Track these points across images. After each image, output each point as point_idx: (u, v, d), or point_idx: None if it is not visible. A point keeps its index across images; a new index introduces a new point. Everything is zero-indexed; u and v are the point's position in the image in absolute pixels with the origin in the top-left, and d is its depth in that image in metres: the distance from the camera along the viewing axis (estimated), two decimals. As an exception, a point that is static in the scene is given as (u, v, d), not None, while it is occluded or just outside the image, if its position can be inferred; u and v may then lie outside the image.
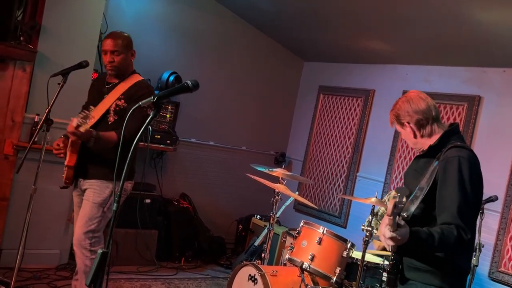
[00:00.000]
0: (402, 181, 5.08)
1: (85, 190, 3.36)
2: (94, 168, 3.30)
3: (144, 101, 1.93)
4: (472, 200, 2.21)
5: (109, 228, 1.92)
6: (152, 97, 1.90)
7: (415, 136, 2.43)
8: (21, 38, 4.10)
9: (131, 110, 1.97)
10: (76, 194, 3.48)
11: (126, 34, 3.43)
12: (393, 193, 4.36)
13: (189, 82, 1.99)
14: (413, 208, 2.23)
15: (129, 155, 1.90)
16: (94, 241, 3.29)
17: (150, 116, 1.88)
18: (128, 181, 3.41)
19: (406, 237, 2.01)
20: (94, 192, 3.28)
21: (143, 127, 1.94)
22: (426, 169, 2.33)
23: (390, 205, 1.93)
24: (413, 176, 2.41)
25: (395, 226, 1.97)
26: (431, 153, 2.38)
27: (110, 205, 3.29)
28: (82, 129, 2.95)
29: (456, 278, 2.29)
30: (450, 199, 2.16)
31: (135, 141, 1.89)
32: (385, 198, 4.35)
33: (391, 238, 1.97)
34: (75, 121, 2.95)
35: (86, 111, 3.00)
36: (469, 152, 2.29)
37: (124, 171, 1.88)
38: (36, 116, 4.22)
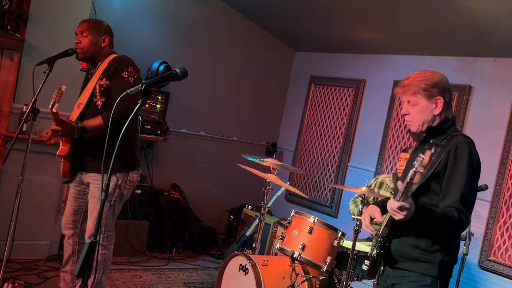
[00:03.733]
0: (393, 171, 5.09)
1: (87, 184, 3.31)
2: (92, 160, 3.23)
3: (132, 89, 1.90)
4: (476, 187, 2.24)
5: (97, 219, 1.90)
6: (140, 85, 1.87)
7: (439, 114, 2.31)
8: (8, 27, 4.05)
9: (119, 97, 1.92)
10: (73, 185, 3.40)
11: (101, 21, 3.39)
12: (380, 177, 4.36)
13: (178, 70, 1.97)
14: (411, 190, 2.16)
15: (118, 143, 1.84)
16: (107, 236, 3.29)
17: (138, 105, 1.85)
18: (133, 171, 3.33)
19: (412, 208, 2.01)
20: (99, 188, 3.22)
21: (131, 110, 1.89)
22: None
23: (427, 156, 1.90)
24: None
25: (408, 193, 1.98)
26: (429, 136, 2.33)
27: (116, 197, 3.24)
28: (54, 109, 2.90)
29: (449, 268, 2.29)
30: (456, 185, 2.16)
31: (125, 126, 1.82)
32: (371, 182, 4.33)
33: (401, 208, 1.98)
34: (50, 105, 2.92)
35: (56, 90, 2.96)
36: (474, 143, 2.30)
37: (112, 161, 1.85)
38: (24, 106, 4.18)
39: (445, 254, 2.23)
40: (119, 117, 2.95)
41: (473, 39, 4.41)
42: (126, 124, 1.86)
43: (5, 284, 3.54)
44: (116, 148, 1.84)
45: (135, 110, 1.85)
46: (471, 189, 2.19)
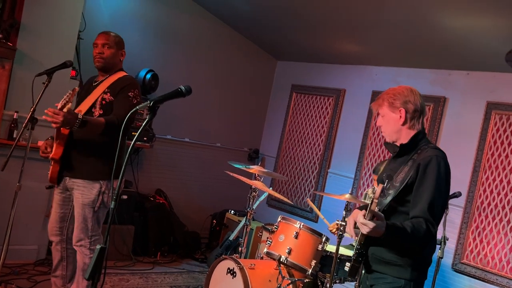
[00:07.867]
0: (371, 178, 5.30)
1: (71, 189, 3.38)
2: (79, 165, 3.31)
3: (140, 105, 2.04)
4: (444, 197, 2.41)
5: (107, 225, 2.02)
6: (149, 102, 2.01)
7: (403, 124, 2.51)
8: (0, 36, 4.11)
9: (130, 112, 2.06)
10: (58, 192, 3.47)
11: (118, 35, 3.55)
12: (369, 191, 4.55)
13: (183, 88, 2.11)
14: (385, 202, 2.41)
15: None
16: (93, 240, 3.36)
17: (146, 119, 1.99)
18: (117, 180, 3.41)
19: (382, 228, 2.18)
20: (82, 194, 3.31)
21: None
22: (400, 168, 2.47)
23: (378, 189, 2.11)
24: (388, 177, 2.51)
25: (371, 214, 2.15)
26: (402, 152, 2.53)
27: (100, 204, 3.33)
28: (65, 109, 2.95)
29: (422, 271, 2.45)
30: (424, 195, 2.32)
31: (121, 135, 1.95)
32: (369, 191, 4.49)
33: (366, 225, 2.14)
34: (59, 105, 2.98)
35: (70, 91, 3.03)
36: (443, 153, 2.45)
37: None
38: (15, 113, 4.24)
39: (417, 258, 2.39)
40: (120, 123, 3.07)
41: (448, 53, 4.65)
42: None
43: (-2, 288, 3.61)
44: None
45: (143, 124, 1.99)
46: (439, 198, 2.34)
